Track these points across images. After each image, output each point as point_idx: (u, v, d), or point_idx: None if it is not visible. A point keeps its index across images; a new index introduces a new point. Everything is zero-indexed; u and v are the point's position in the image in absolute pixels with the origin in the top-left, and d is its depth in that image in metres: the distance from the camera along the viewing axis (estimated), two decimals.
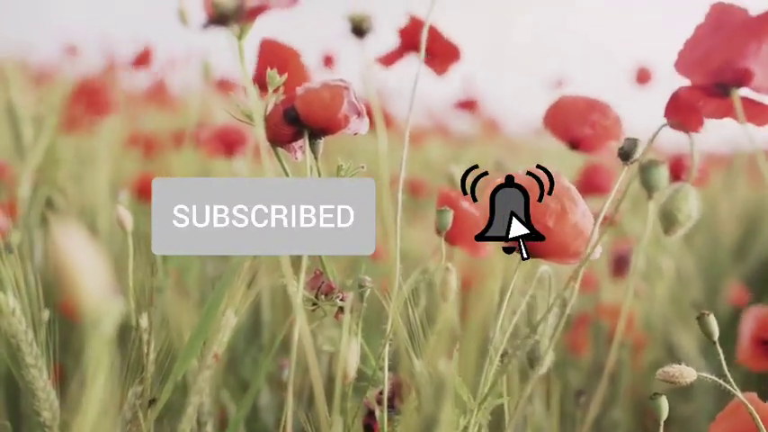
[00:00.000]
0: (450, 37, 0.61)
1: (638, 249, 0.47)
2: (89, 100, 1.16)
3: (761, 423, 0.52)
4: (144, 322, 0.61)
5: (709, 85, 0.48)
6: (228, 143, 1.04)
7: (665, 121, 0.49)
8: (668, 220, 0.46)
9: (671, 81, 0.49)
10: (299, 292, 0.49)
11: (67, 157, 1.13)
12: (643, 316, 1.01)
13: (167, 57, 2.04)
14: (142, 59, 1.50)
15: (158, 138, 1.41)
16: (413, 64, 0.69)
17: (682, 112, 0.48)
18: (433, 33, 0.59)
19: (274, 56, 0.56)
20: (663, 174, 0.46)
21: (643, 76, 1.47)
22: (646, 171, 0.46)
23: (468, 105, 1.49)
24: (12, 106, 0.90)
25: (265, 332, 0.84)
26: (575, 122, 0.71)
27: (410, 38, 0.61)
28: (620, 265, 0.94)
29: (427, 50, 0.60)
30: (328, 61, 1.46)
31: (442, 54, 0.55)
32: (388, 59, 0.62)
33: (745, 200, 1.54)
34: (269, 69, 0.49)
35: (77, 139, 1.30)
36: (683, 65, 0.48)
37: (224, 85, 1.99)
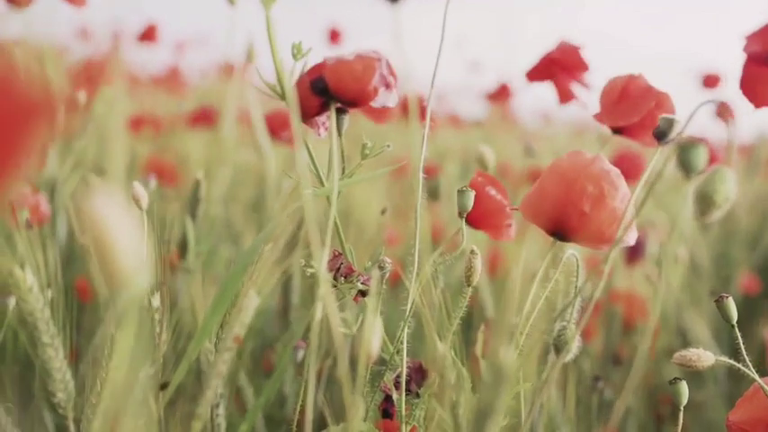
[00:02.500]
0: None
1: (676, 232, 0.46)
2: (93, 76, 1.15)
3: None
4: (156, 302, 0.59)
5: None
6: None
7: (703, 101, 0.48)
8: (705, 203, 0.45)
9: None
10: (320, 272, 0.47)
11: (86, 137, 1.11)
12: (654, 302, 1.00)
13: (178, 40, 2.03)
14: (148, 35, 1.48)
15: (167, 120, 1.40)
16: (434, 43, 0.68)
17: (753, 86, 0.46)
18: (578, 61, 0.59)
19: None
20: (701, 154, 0.44)
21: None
22: (684, 151, 0.44)
23: (499, 95, 1.48)
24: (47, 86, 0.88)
25: (293, 315, 0.83)
26: (626, 109, 0.70)
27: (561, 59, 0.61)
28: (635, 251, 0.93)
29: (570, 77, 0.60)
30: (334, 36, 1.44)
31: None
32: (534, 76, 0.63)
33: (761, 189, 1.53)
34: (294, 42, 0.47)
35: (86, 118, 1.28)
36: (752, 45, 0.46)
37: (229, 69, 1.97)
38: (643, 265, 0.92)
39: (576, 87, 0.68)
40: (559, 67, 0.65)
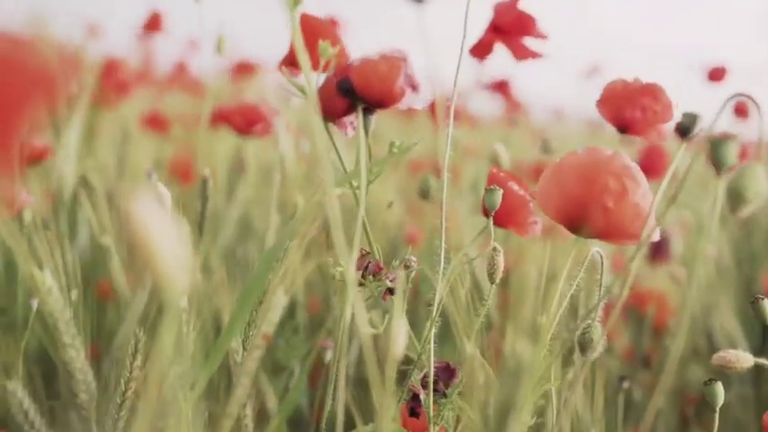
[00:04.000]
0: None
1: (707, 230, 0.45)
2: (114, 78, 1.15)
3: None
4: (184, 302, 0.59)
5: None
6: (249, 122, 1.02)
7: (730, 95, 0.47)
8: (736, 199, 0.44)
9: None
10: (349, 271, 0.47)
11: (97, 137, 1.12)
12: (682, 302, 0.99)
13: (188, 38, 2.04)
14: (152, 24, 1.48)
15: (179, 118, 1.40)
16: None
17: None
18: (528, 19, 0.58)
19: (310, 31, 0.54)
20: (733, 149, 0.44)
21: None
22: (715, 146, 0.44)
23: (499, 87, 1.48)
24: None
25: (300, 314, 0.83)
26: (625, 106, 0.70)
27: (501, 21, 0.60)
28: (659, 250, 0.92)
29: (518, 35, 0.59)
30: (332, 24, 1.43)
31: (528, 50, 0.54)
32: (480, 50, 0.62)
33: None
34: (321, 41, 0.47)
35: (104, 118, 1.29)
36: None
37: (244, 67, 1.98)
38: (668, 264, 0.91)
39: (529, 42, 0.68)
40: (503, 31, 0.64)
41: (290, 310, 0.83)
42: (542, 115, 2.31)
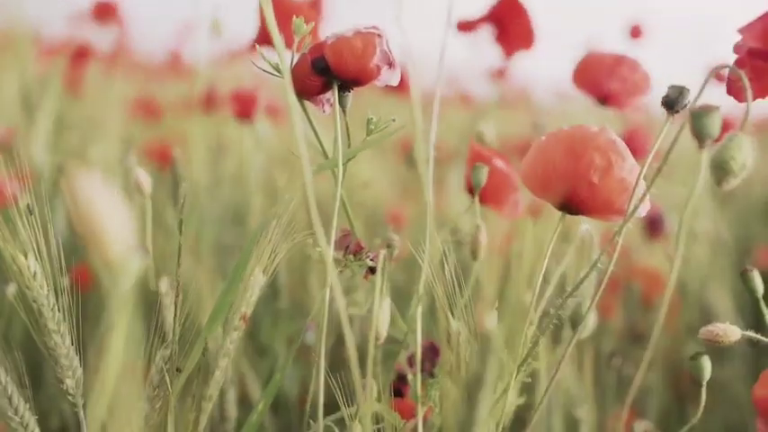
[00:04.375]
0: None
1: (689, 205, 0.45)
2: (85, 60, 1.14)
3: None
4: (164, 286, 0.59)
5: None
6: (243, 106, 1.02)
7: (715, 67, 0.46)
8: (722, 170, 0.44)
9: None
10: (329, 251, 0.47)
11: (77, 122, 1.11)
12: (677, 279, 0.98)
13: (179, 24, 2.01)
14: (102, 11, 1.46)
15: (169, 104, 1.39)
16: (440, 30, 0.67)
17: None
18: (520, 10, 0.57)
19: (282, 11, 0.53)
20: (716, 121, 0.43)
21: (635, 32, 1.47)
22: (697, 118, 0.43)
23: (498, 74, 1.46)
24: (24, 76, 0.88)
25: (283, 295, 0.82)
26: (603, 78, 0.70)
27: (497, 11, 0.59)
28: (654, 226, 0.91)
29: (506, 27, 0.58)
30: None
31: (519, 36, 0.53)
32: (467, 26, 0.61)
33: None
34: (295, 18, 0.46)
35: (85, 104, 1.28)
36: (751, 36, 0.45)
37: (234, 55, 1.96)
38: (663, 240, 0.90)
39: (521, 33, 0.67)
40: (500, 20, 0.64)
41: (274, 293, 0.83)
42: (545, 96, 2.29)
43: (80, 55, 1.19)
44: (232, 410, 0.55)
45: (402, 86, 0.53)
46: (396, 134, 0.51)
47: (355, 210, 0.94)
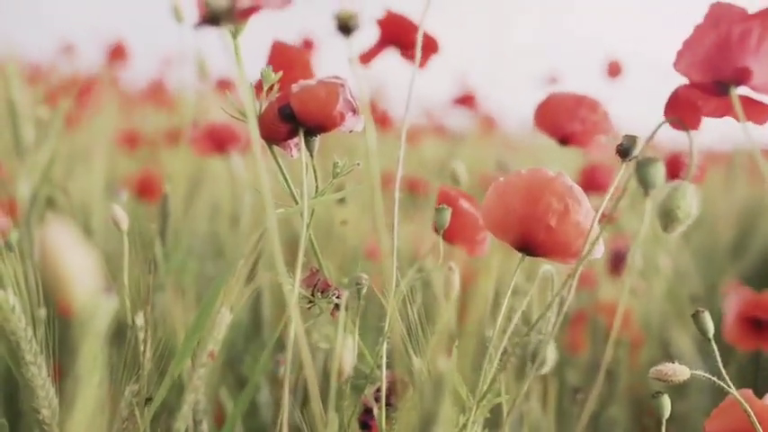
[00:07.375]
0: (428, 30, 0.61)
1: (634, 247, 0.47)
2: (85, 97, 1.16)
3: (755, 419, 0.52)
4: (140, 321, 0.60)
5: (708, 84, 0.48)
6: (221, 141, 1.04)
7: (663, 118, 0.49)
8: (667, 218, 0.46)
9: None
10: (294, 289, 0.48)
11: (63, 155, 1.12)
12: (640, 314, 1.01)
13: (163, 55, 2.04)
14: (117, 54, 1.49)
15: (153, 136, 1.41)
16: (408, 62, 0.69)
17: (681, 111, 0.48)
18: (409, 26, 0.59)
19: (282, 57, 0.55)
20: (659, 171, 0.45)
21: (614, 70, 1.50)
22: (642, 168, 0.46)
23: (465, 101, 1.49)
24: (13, 105, 0.90)
25: (265, 330, 0.84)
26: (564, 118, 0.72)
27: (388, 32, 0.61)
28: (617, 262, 0.94)
29: (405, 43, 0.60)
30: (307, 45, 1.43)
31: (421, 47, 0.54)
32: (368, 56, 0.63)
33: (744, 197, 1.54)
34: (264, 67, 0.48)
35: (71, 136, 1.29)
36: (682, 64, 0.47)
37: (222, 85, 1.99)
38: (625, 276, 0.93)
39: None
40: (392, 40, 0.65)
41: (256, 327, 0.84)
42: (515, 126, 2.33)
43: (84, 92, 1.21)
44: None
45: (382, 121, 0.55)
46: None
47: (334, 245, 0.96)
